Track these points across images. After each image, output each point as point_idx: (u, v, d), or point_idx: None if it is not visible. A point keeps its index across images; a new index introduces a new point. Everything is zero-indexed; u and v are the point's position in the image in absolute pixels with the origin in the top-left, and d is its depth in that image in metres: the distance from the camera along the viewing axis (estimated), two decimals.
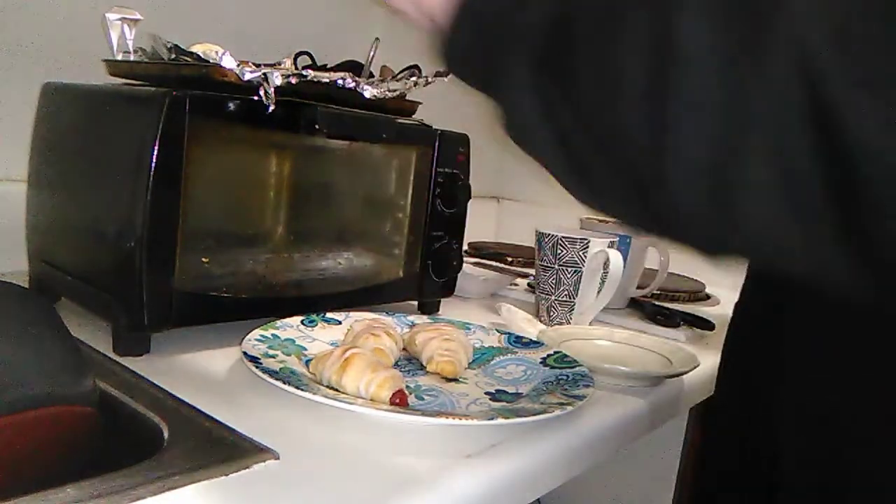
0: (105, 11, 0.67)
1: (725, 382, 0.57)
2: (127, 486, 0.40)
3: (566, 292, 0.87)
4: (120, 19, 0.67)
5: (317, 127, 0.69)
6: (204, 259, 0.66)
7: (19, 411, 0.42)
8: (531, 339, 0.74)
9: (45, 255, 0.72)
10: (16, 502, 0.37)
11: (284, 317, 0.69)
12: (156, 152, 0.58)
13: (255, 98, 0.62)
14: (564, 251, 0.86)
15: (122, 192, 0.61)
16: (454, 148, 0.84)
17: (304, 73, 0.65)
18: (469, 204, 0.87)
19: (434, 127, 0.83)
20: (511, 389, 0.64)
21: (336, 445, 0.50)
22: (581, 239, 0.86)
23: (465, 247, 0.93)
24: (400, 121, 0.78)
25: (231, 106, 0.63)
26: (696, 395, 0.77)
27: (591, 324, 0.88)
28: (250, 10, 1.04)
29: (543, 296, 0.89)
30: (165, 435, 0.47)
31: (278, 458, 0.46)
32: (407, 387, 0.59)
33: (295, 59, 0.83)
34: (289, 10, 1.09)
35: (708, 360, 0.73)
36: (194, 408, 0.52)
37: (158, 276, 0.60)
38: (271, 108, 0.62)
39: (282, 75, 0.62)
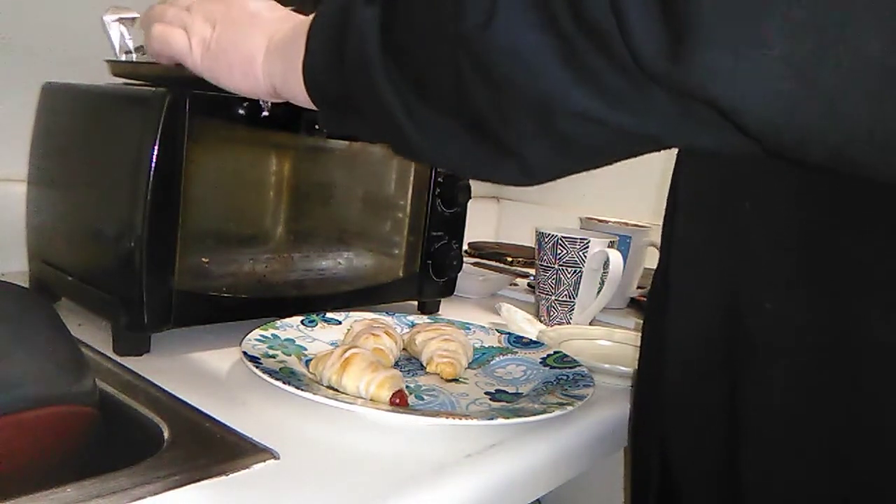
0: (102, 13, 0.67)
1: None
2: (127, 486, 0.40)
3: (566, 292, 0.87)
4: (117, 20, 0.67)
5: (317, 127, 0.69)
6: (204, 259, 0.66)
7: (19, 411, 0.42)
8: (531, 339, 0.74)
9: (45, 255, 0.72)
10: (16, 502, 0.37)
11: (284, 317, 0.69)
12: (156, 152, 0.58)
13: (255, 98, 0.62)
14: (564, 251, 0.86)
15: (122, 192, 0.61)
16: None
17: None
18: (469, 204, 0.87)
19: None
20: (511, 389, 0.64)
21: (336, 445, 0.50)
22: (581, 239, 0.86)
23: (465, 247, 0.93)
24: None
25: (231, 106, 0.64)
26: None
27: (591, 324, 0.88)
28: None
29: (543, 296, 0.89)
30: (165, 435, 0.47)
31: (278, 458, 0.46)
32: (407, 387, 0.59)
33: None
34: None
35: None
36: (194, 408, 0.52)
37: (158, 276, 0.60)
38: (265, 112, 0.62)
39: None
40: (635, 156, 0.39)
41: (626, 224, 1.03)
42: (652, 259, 1.01)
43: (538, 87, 0.35)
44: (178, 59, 0.56)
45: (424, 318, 0.77)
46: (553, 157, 0.39)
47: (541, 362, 0.68)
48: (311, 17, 0.47)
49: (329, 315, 0.72)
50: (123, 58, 0.68)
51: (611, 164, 0.41)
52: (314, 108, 0.49)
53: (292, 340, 0.66)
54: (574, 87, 0.34)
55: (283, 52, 0.50)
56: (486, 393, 0.62)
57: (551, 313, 0.89)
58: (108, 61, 0.68)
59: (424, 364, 0.67)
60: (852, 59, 0.28)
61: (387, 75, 0.41)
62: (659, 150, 0.39)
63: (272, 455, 0.46)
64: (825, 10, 0.27)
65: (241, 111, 0.64)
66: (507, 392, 0.63)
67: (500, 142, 0.39)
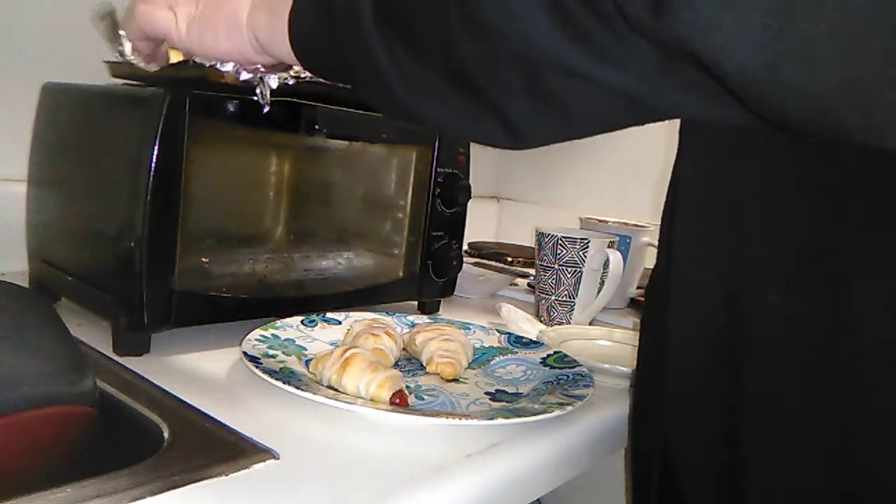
0: (90, 15, 0.66)
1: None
2: (127, 486, 0.40)
3: (566, 292, 0.87)
4: (105, 16, 0.66)
5: (317, 127, 0.69)
6: (204, 259, 0.66)
7: (19, 411, 0.42)
8: (531, 339, 0.74)
9: (45, 255, 0.72)
10: (16, 502, 0.37)
11: (284, 317, 0.69)
12: (156, 152, 0.58)
13: (254, 97, 0.62)
14: (564, 251, 0.86)
15: (122, 192, 0.61)
16: (454, 148, 0.84)
17: (302, 73, 0.65)
18: (469, 204, 0.87)
19: None
20: (511, 389, 0.64)
21: (336, 445, 0.50)
22: (581, 239, 0.86)
23: (465, 247, 0.93)
24: None
25: (231, 106, 0.64)
26: None
27: (591, 324, 0.88)
28: None
29: (543, 296, 0.89)
30: (165, 435, 0.47)
31: (278, 458, 0.46)
32: (407, 387, 0.59)
33: None
34: None
35: None
36: (194, 408, 0.52)
37: (158, 276, 0.60)
38: (266, 108, 0.62)
39: (278, 76, 0.62)
40: (623, 126, 0.39)
41: (626, 224, 1.03)
42: (652, 259, 1.01)
43: (524, 38, 0.35)
44: (164, 36, 0.57)
45: (424, 318, 0.77)
46: (537, 116, 0.39)
47: (541, 362, 0.68)
48: None
49: (329, 315, 0.72)
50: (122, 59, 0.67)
51: (598, 132, 0.40)
52: (296, 62, 0.49)
53: (292, 340, 0.66)
54: (560, 40, 0.34)
55: (268, 6, 0.50)
56: (486, 393, 0.62)
57: (551, 313, 0.89)
58: (106, 62, 0.68)
59: (424, 364, 0.67)
60: (833, 12, 0.28)
61: (377, 30, 0.41)
62: (647, 122, 0.38)
63: (272, 455, 0.46)
64: None
65: (240, 111, 0.64)
66: (507, 392, 0.63)
67: (486, 97, 0.39)
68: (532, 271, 0.98)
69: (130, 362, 0.60)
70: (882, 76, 0.28)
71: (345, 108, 0.71)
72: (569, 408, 0.56)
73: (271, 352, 0.62)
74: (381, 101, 0.45)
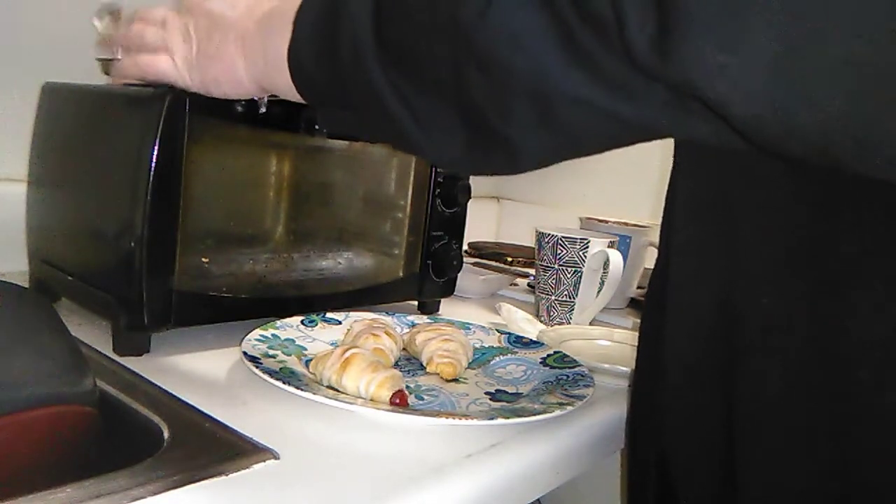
0: (91, 16, 0.66)
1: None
2: (127, 486, 0.40)
3: (566, 292, 0.87)
4: (108, 15, 0.66)
5: (317, 127, 0.69)
6: (204, 259, 0.66)
7: (19, 411, 0.42)
8: (531, 339, 0.74)
9: (45, 255, 0.72)
10: (16, 502, 0.37)
11: (284, 317, 0.69)
12: (156, 152, 0.58)
13: (253, 98, 0.62)
14: (564, 251, 0.86)
15: (122, 192, 0.61)
16: None
17: None
18: (469, 204, 0.87)
19: None
20: (511, 389, 0.64)
21: (336, 445, 0.50)
22: (581, 239, 0.86)
23: (465, 247, 0.93)
24: None
25: (231, 106, 0.63)
26: None
27: (591, 324, 0.88)
28: None
29: (543, 296, 0.89)
30: (165, 435, 0.47)
31: (278, 458, 0.46)
32: (407, 387, 0.59)
33: None
34: None
35: None
36: (194, 408, 0.52)
37: (158, 276, 0.60)
38: (263, 109, 0.62)
39: None
40: (630, 144, 0.40)
41: (626, 224, 1.03)
42: (652, 259, 1.01)
43: (537, 74, 0.35)
44: (167, 82, 0.58)
45: (424, 318, 0.77)
46: (548, 147, 0.39)
47: (541, 362, 0.68)
48: (286, 4, 0.47)
49: (329, 315, 0.72)
50: (120, 56, 0.67)
51: (604, 151, 0.41)
52: (299, 98, 0.49)
53: (292, 340, 0.66)
54: (573, 74, 0.34)
55: (263, 48, 0.50)
56: (486, 393, 0.62)
57: (551, 313, 0.89)
58: (99, 59, 0.68)
59: (424, 364, 0.67)
60: (833, 57, 0.28)
61: (381, 67, 0.40)
62: (653, 140, 0.39)
63: (272, 455, 0.46)
64: (808, 8, 0.28)
65: (240, 110, 0.64)
66: (507, 392, 0.63)
67: (496, 130, 0.39)
68: (532, 271, 0.98)
69: (130, 362, 0.60)
70: (887, 114, 0.29)
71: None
72: (569, 408, 0.56)
73: (271, 352, 0.62)
74: (391, 138, 0.45)
